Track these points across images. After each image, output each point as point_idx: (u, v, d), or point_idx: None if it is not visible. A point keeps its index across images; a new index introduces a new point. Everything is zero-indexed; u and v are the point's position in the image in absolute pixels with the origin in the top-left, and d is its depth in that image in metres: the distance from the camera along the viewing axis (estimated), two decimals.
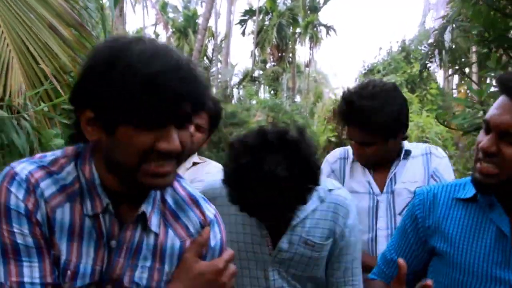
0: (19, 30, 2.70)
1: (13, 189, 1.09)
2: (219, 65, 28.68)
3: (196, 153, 2.52)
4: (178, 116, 1.06)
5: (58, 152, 1.19)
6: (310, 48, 31.99)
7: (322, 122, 11.42)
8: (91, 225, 1.14)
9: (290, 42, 30.48)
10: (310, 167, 1.60)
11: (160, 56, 1.04)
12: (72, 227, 1.12)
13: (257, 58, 31.02)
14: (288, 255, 1.81)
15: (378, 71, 10.43)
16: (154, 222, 1.20)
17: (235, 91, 27.63)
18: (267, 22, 30.58)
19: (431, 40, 4.78)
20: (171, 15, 33.59)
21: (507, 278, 1.31)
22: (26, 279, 1.07)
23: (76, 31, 3.09)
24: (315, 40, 31.42)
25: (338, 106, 2.20)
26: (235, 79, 29.18)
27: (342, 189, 1.88)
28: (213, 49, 31.03)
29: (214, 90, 26.45)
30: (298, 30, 31.13)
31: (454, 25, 3.98)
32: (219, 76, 27.66)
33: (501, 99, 1.29)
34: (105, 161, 1.13)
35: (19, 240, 1.08)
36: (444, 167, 2.21)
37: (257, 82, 30.51)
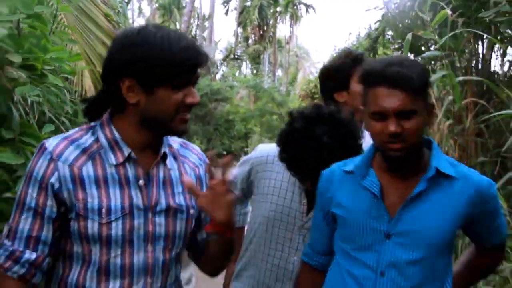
0: (86, 48, 4.07)
1: (40, 160, 1.39)
2: (203, 43, 29.49)
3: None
4: (196, 77, 1.41)
5: (77, 128, 1.48)
6: (291, 25, 32.89)
7: (298, 100, 12.78)
8: (114, 172, 1.41)
9: (271, 22, 31.24)
10: (350, 142, 1.79)
11: (183, 37, 1.39)
12: (96, 177, 1.39)
13: (239, 36, 31.77)
14: None
15: None
16: (170, 160, 1.52)
17: (219, 67, 28.58)
18: (248, 3, 31.19)
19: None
20: None
21: (380, 228, 1.53)
22: (20, 227, 1.39)
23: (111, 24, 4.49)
24: (295, 18, 32.26)
25: None
26: (219, 56, 30.14)
27: None
28: (197, 26, 31.82)
29: None
30: (278, 8, 31.93)
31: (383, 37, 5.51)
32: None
33: (378, 90, 1.45)
34: (141, 118, 1.41)
35: (28, 199, 1.39)
36: None
37: (239, 60, 31.47)
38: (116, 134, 1.43)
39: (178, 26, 28.77)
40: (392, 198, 1.53)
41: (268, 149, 2.12)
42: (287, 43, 33.70)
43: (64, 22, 4.03)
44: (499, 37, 4.10)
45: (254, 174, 2.14)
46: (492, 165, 4.02)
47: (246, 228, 2.31)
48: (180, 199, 1.50)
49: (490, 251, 1.69)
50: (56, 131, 2.83)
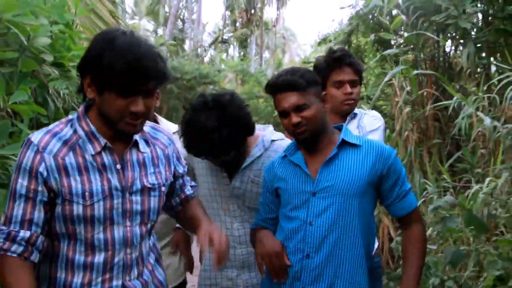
0: (93, 29, 4.56)
1: (27, 152, 1.51)
2: (192, 26, 29.58)
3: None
4: (146, 90, 1.47)
5: (57, 122, 1.58)
6: (278, 8, 33.08)
7: None
8: (92, 160, 1.54)
9: (258, 5, 31.27)
10: (237, 122, 1.96)
11: (135, 46, 1.43)
12: (78, 165, 1.52)
13: (227, 19, 31.87)
14: (241, 191, 2.17)
15: (330, 41, 11.92)
16: (142, 144, 1.66)
17: (206, 50, 28.80)
18: None
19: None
20: None
21: (307, 189, 1.91)
22: (14, 213, 1.50)
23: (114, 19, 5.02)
24: (282, 0, 32.56)
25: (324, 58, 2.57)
26: (207, 39, 30.31)
27: (284, 141, 2.22)
28: (184, 8, 31.88)
29: (186, 50, 27.63)
30: None
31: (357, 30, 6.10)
32: (192, 35, 28.73)
33: (277, 96, 1.90)
34: (98, 113, 1.53)
35: (18, 188, 1.50)
36: (369, 121, 2.58)
37: (227, 43, 31.68)
38: (92, 126, 1.56)
39: (167, 10, 28.91)
40: (314, 166, 1.92)
41: None
42: (274, 26, 33.89)
43: (77, 21, 4.52)
44: (453, 34, 4.70)
45: (190, 159, 2.30)
46: (446, 146, 4.67)
47: None
48: (152, 179, 1.66)
49: (405, 224, 1.95)
50: None
